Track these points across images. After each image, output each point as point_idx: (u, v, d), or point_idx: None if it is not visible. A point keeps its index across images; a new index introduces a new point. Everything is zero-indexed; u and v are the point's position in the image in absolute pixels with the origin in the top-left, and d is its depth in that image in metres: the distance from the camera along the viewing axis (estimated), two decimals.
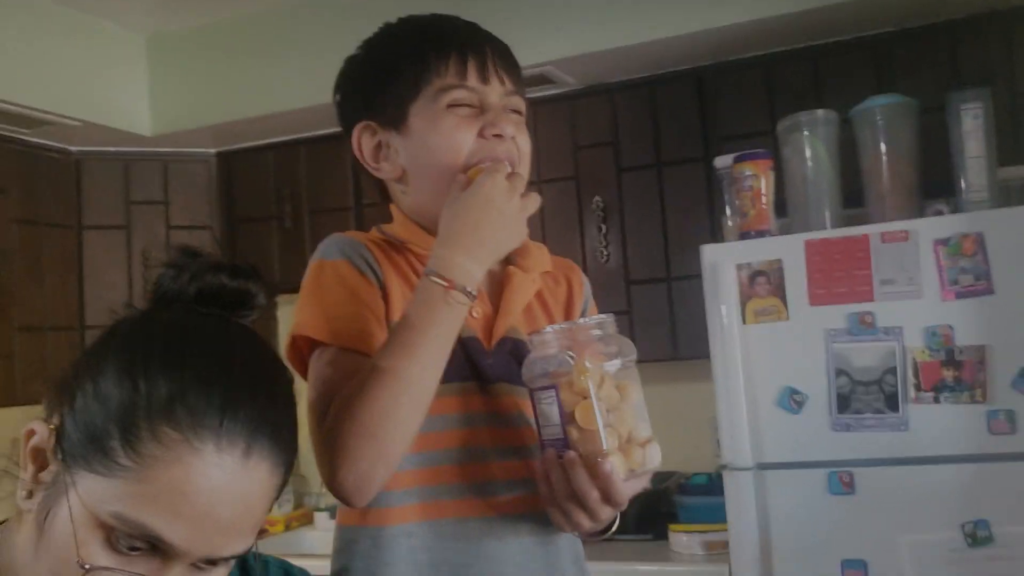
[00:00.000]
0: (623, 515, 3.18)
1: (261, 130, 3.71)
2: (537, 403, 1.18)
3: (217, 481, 0.84)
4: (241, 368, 0.90)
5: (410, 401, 1.14)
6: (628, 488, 1.19)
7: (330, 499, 3.30)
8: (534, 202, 1.25)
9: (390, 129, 1.34)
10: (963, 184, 2.52)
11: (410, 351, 1.14)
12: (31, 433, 0.89)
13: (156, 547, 0.84)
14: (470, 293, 1.17)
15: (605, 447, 1.14)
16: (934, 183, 2.62)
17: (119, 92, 3.64)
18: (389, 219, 1.41)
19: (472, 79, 1.30)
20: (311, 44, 3.45)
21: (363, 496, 1.16)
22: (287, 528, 3.80)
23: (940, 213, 2.58)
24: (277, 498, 0.93)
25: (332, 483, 1.15)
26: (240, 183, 3.89)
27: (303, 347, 1.26)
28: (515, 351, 1.32)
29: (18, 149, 3.50)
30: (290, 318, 1.29)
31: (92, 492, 0.84)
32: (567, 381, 1.15)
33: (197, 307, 0.94)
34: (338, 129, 1.42)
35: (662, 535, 3.05)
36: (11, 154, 3.47)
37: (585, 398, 1.14)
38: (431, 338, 1.15)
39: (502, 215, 1.20)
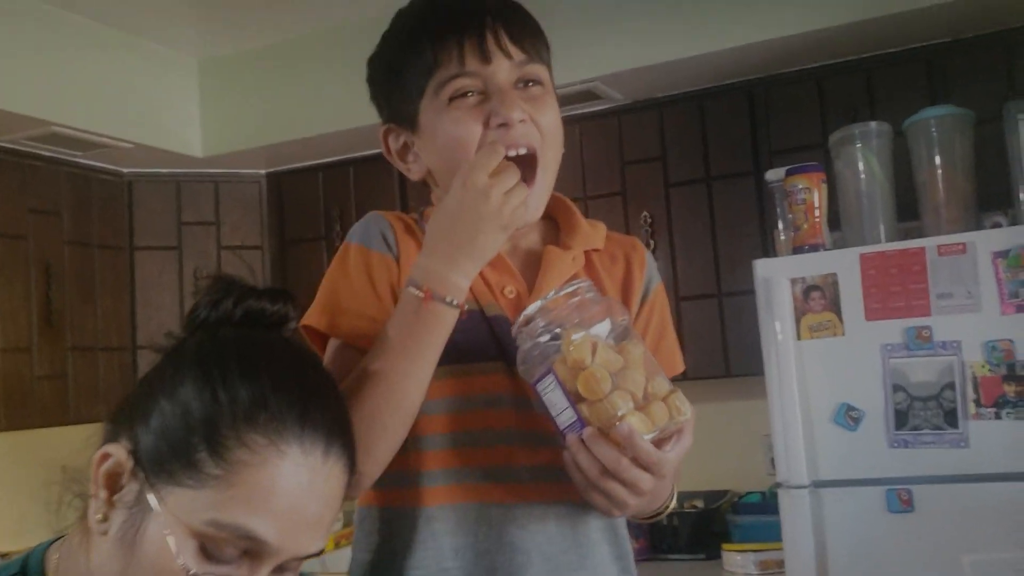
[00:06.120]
0: (675, 530, 3.16)
1: (311, 151, 3.74)
2: (542, 394, 1.10)
3: (303, 480, 0.89)
4: (312, 374, 0.96)
5: (390, 408, 1.12)
6: (667, 450, 1.09)
7: None
8: (517, 196, 1.14)
9: (407, 129, 1.29)
10: (1022, 195, 2.47)
11: (391, 360, 1.13)
12: (105, 457, 0.91)
13: (247, 552, 0.88)
14: (450, 302, 1.12)
15: (620, 411, 1.06)
16: (991, 195, 2.58)
17: (171, 114, 3.68)
18: None
19: (472, 63, 1.22)
20: (359, 65, 3.45)
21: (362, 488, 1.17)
22: (336, 546, 3.79)
23: (998, 225, 2.53)
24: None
25: None
26: (290, 203, 3.93)
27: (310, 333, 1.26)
28: None
29: (71, 171, 3.55)
30: None
31: (182, 504, 0.86)
32: (560, 359, 1.08)
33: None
34: None
35: (715, 555, 3.02)
36: (64, 176, 3.52)
37: (583, 369, 1.07)
38: (408, 349, 1.13)
39: (477, 218, 1.12)
